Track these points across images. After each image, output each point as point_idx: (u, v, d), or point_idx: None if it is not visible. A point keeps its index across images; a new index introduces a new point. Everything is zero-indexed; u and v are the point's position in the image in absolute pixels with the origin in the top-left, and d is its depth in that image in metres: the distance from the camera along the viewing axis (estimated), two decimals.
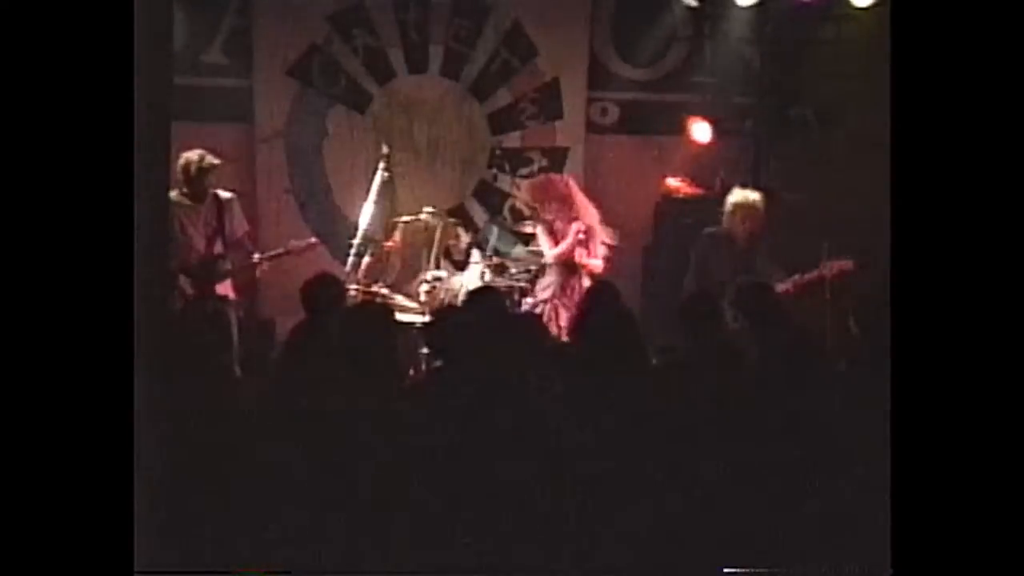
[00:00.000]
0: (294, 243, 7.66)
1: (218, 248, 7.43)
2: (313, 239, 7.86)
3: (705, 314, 5.61)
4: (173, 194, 6.96)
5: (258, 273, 7.79)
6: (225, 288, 7.46)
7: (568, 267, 7.74)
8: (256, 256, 7.62)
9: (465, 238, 8.42)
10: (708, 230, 7.57)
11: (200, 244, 7.39)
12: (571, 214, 7.79)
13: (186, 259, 7.27)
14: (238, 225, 7.59)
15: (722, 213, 7.50)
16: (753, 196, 7.49)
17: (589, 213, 7.86)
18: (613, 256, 7.91)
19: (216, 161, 7.42)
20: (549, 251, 7.78)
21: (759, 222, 7.41)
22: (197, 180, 7.36)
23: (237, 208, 7.62)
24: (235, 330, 6.90)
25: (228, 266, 7.50)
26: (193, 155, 7.33)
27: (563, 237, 7.76)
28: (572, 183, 8.11)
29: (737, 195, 7.51)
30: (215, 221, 7.43)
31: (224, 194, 7.54)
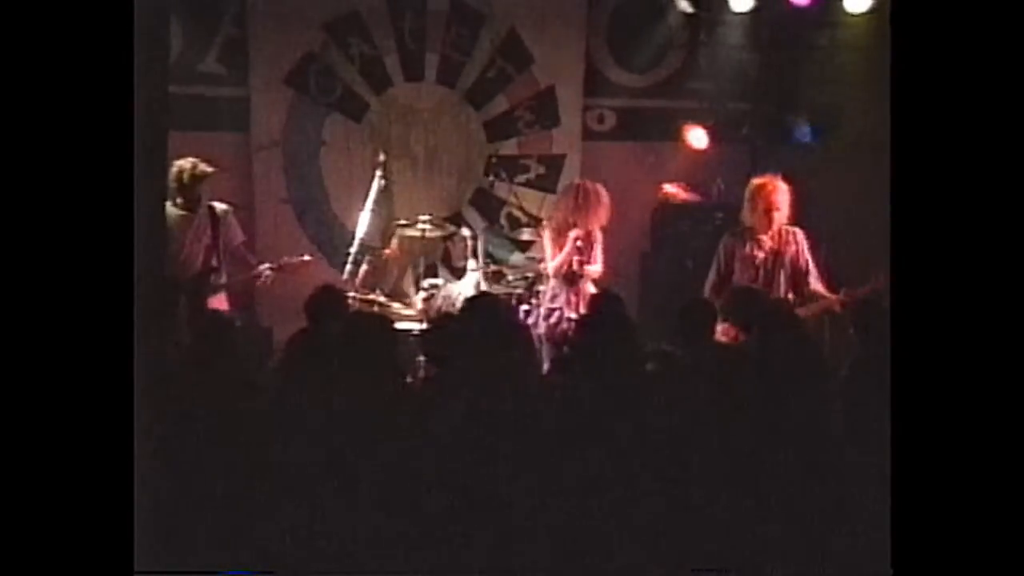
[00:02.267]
0: (287, 259, 7.59)
1: (213, 262, 7.37)
2: (307, 256, 7.78)
3: (703, 319, 5.62)
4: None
5: (255, 284, 7.77)
6: (220, 300, 7.42)
7: (567, 276, 7.69)
8: (252, 270, 7.56)
9: (462, 246, 8.41)
10: (731, 231, 7.18)
11: (194, 256, 7.33)
12: (575, 220, 7.68)
13: (180, 270, 7.17)
14: (233, 236, 7.52)
15: (720, 218, 7.43)
16: (773, 181, 7.05)
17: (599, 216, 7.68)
18: (611, 261, 7.87)
19: (209, 169, 7.34)
20: (550, 263, 7.71)
21: (781, 206, 6.97)
22: (189, 188, 7.28)
23: (232, 220, 7.54)
24: (232, 337, 6.86)
25: (223, 279, 7.45)
26: (186, 163, 7.24)
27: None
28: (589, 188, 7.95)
29: (755, 182, 7.13)
30: (210, 233, 7.37)
31: (219, 206, 7.47)
